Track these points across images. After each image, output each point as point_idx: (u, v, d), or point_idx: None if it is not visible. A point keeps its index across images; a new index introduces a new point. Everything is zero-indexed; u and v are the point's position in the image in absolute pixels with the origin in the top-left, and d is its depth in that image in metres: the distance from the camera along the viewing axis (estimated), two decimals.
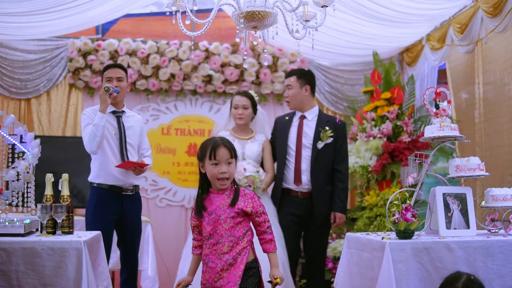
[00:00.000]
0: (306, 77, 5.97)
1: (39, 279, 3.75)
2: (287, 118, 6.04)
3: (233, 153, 3.72)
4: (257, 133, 6.03)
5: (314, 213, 5.75)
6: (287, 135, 5.92)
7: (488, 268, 4.02)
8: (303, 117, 5.91)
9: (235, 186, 3.76)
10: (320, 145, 5.75)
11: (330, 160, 5.81)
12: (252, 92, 6.14)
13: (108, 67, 5.63)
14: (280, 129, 6.03)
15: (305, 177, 5.78)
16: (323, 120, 5.90)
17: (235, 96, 5.97)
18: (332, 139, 5.76)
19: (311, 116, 5.91)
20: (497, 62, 6.05)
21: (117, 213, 5.40)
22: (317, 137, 5.78)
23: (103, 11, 6.97)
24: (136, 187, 5.55)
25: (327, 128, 5.78)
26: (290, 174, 5.86)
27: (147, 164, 5.51)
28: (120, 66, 5.68)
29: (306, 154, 5.81)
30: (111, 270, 6.09)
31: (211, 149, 3.66)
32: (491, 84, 6.15)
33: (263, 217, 3.75)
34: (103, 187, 5.38)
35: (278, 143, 5.98)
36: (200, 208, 3.73)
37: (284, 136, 5.93)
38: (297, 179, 5.80)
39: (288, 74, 6.07)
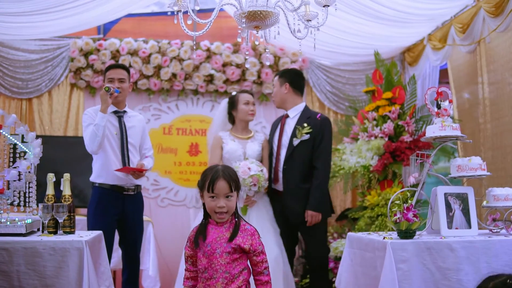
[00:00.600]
0: (286, 75, 5.99)
1: (40, 280, 3.75)
2: (278, 119, 6.08)
3: (233, 186, 3.47)
4: (254, 132, 6.01)
5: (286, 212, 5.72)
6: (273, 136, 5.94)
7: (493, 268, 4.01)
8: (286, 116, 5.92)
9: (236, 219, 3.53)
10: (295, 142, 5.71)
11: (308, 157, 5.73)
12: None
13: (110, 67, 5.62)
14: (271, 130, 6.06)
15: (281, 175, 5.77)
16: (304, 117, 5.86)
17: (243, 94, 5.92)
18: (309, 135, 5.71)
19: (294, 114, 5.90)
20: (500, 62, 6.05)
21: (118, 213, 5.40)
22: (293, 135, 5.76)
23: (105, 11, 6.98)
24: (138, 187, 5.55)
25: (305, 124, 5.74)
26: (272, 174, 5.88)
27: (146, 170, 5.50)
28: (122, 67, 5.66)
29: (284, 152, 5.80)
30: (113, 270, 6.09)
31: (210, 181, 3.44)
32: (495, 84, 6.15)
33: (261, 257, 3.52)
34: (105, 187, 5.39)
35: (270, 143, 6.01)
36: (198, 237, 3.50)
37: (271, 137, 5.96)
38: (275, 179, 5.81)
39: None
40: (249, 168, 5.40)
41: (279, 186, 5.81)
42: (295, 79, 6.00)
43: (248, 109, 5.82)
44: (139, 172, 5.40)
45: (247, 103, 5.83)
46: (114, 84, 5.45)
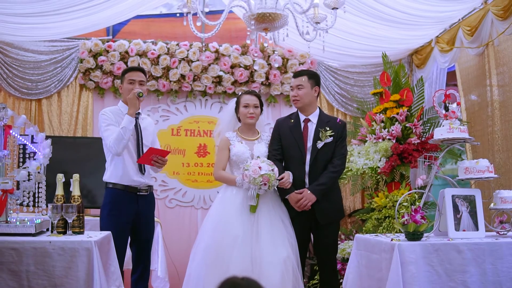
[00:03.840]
0: (315, 78, 5.89)
1: (49, 280, 3.76)
2: (292, 121, 5.91)
3: None
4: (260, 132, 5.96)
5: (315, 213, 5.68)
6: (297, 140, 5.79)
7: (498, 270, 4.03)
8: (307, 121, 5.84)
9: None
10: (319, 144, 5.66)
11: (329, 159, 5.72)
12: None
13: (131, 69, 5.66)
14: (287, 133, 5.86)
15: (307, 180, 5.71)
16: (324, 120, 5.80)
17: (245, 95, 5.86)
18: (331, 138, 5.68)
19: (314, 118, 5.84)
20: (509, 64, 6.06)
21: (133, 214, 5.40)
22: (316, 137, 5.71)
23: (114, 12, 7.02)
24: (150, 187, 5.55)
25: (327, 128, 5.70)
26: (296, 178, 5.79)
27: (169, 151, 5.52)
28: (142, 70, 5.69)
29: (309, 157, 5.74)
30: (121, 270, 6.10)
31: None
32: (504, 87, 6.16)
33: None
34: (119, 187, 5.38)
35: (288, 147, 5.85)
36: None
37: (294, 141, 5.78)
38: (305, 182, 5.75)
39: (298, 74, 5.86)
40: (259, 167, 5.36)
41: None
42: (320, 84, 5.95)
43: (247, 112, 5.74)
44: (162, 158, 5.41)
45: (246, 106, 5.75)
46: (135, 86, 5.47)
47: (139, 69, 5.74)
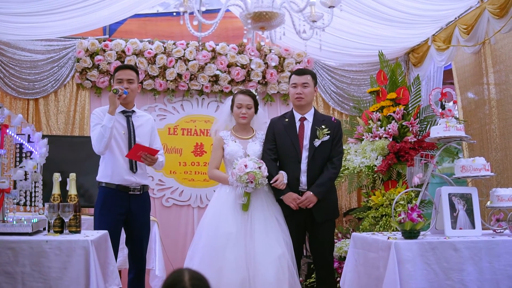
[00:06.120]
0: (315, 78, 5.93)
1: (44, 282, 3.75)
2: (286, 120, 5.92)
3: None
4: (256, 130, 5.95)
5: (312, 211, 5.68)
6: (292, 139, 5.79)
7: (495, 269, 4.04)
8: (303, 119, 5.85)
9: None
10: (316, 142, 5.67)
11: (326, 158, 5.74)
12: (253, 91, 6.05)
13: (119, 68, 5.62)
14: (282, 132, 5.86)
15: (304, 178, 5.71)
16: (319, 119, 5.82)
17: (238, 95, 5.86)
18: (328, 136, 5.68)
19: (310, 117, 5.85)
20: (506, 63, 6.06)
21: (124, 213, 5.40)
22: (313, 136, 5.72)
23: (111, 12, 7.01)
24: (144, 187, 5.54)
25: (323, 126, 5.71)
26: (291, 177, 5.78)
27: (158, 150, 5.45)
28: (131, 67, 5.67)
29: (305, 155, 5.75)
30: (118, 269, 6.11)
31: None
32: (501, 85, 6.16)
33: None
34: (111, 186, 5.39)
35: (283, 146, 5.85)
36: None
37: (288, 140, 5.79)
38: (300, 181, 5.75)
39: (302, 72, 5.88)
40: (245, 165, 5.36)
41: (301, 188, 5.75)
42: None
43: (239, 112, 5.74)
44: (151, 155, 5.36)
45: (239, 106, 5.75)
46: (123, 85, 5.45)
47: (127, 66, 5.73)
